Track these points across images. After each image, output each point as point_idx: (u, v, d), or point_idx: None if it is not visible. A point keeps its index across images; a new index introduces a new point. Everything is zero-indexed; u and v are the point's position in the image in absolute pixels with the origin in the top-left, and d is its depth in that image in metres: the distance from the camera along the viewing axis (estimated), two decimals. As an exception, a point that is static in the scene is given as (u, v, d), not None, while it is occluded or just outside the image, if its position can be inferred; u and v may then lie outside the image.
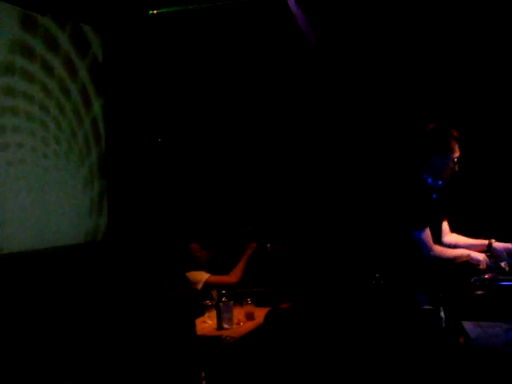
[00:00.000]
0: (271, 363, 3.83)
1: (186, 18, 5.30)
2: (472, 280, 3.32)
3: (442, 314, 3.20)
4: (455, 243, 3.62)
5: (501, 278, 3.22)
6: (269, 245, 4.42)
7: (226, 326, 3.89)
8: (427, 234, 3.29)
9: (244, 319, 4.03)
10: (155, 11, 5.23)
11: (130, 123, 5.51)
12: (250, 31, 5.26)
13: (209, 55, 5.47)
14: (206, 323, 3.99)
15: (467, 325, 3.06)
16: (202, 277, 4.24)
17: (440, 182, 3.48)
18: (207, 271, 4.33)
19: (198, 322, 3.89)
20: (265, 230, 4.48)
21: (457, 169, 3.43)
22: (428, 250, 3.28)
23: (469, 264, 3.38)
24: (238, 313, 4.03)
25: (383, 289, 4.98)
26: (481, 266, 3.30)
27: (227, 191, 5.35)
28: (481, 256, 3.32)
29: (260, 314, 4.10)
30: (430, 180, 3.46)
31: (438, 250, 3.33)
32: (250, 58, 5.37)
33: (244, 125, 5.46)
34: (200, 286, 4.16)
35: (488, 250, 3.50)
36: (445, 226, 3.65)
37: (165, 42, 5.52)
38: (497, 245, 3.48)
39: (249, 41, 5.31)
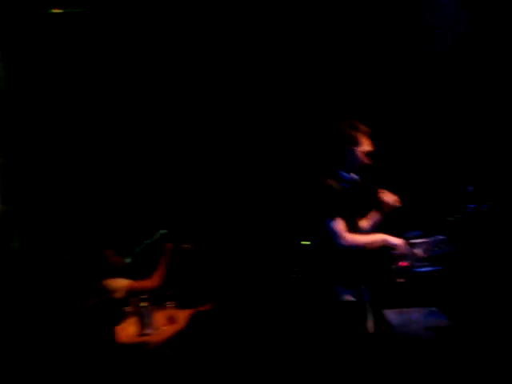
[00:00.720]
0: (196, 366, 3.78)
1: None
2: (391, 268, 3.42)
3: (367, 305, 3.27)
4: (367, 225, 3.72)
5: (418, 264, 3.33)
6: (186, 245, 4.34)
7: (147, 331, 3.77)
8: (338, 224, 3.32)
9: (166, 323, 3.93)
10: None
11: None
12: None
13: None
14: (127, 330, 3.86)
15: (388, 313, 3.13)
16: (121, 284, 4.07)
17: (350, 175, 3.56)
18: (124, 277, 4.18)
19: (119, 329, 3.75)
20: (181, 231, 4.39)
21: (368, 162, 3.52)
22: (339, 238, 3.29)
23: (387, 251, 3.49)
24: (160, 317, 3.93)
25: (303, 282, 5.06)
26: (398, 251, 3.39)
27: (139, 194, 5.18)
28: (398, 240, 3.37)
29: (182, 316, 4.03)
30: (342, 173, 3.54)
31: (350, 237, 3.32)
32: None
33: (152, 128, 5.31)
34: (120, 294, 4.00)
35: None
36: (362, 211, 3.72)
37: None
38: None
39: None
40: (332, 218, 3.33)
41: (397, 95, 4.77)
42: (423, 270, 3.31)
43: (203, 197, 5.13)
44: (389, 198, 3.56)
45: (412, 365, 2.73)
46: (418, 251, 3.45)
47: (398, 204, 3.54)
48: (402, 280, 3.34)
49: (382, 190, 3.60)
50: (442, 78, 4.60)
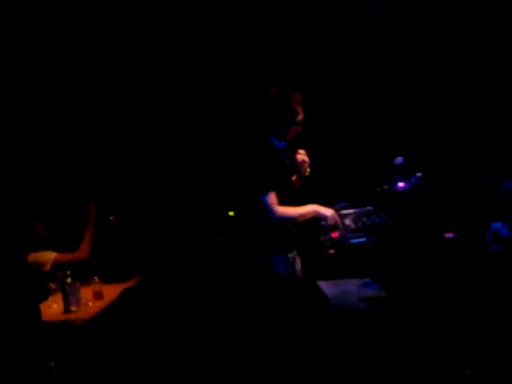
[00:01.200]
0: (125, 343, 3.67)
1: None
2: (322, 239, 3.44)
3: (299, 276, 3.27)
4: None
5: (349, 235, 3.37)
6: (111, 217, 4.17)
7: (73, 308, 3.62)
8: (270, 197, 3.30)
9: (92, 299, 3.78)
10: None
11: None
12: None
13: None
14: (52, 307, 3.69)
15: (323, 284, 3.14)
16: (49, 256, 3.85)
17: (283, 144, 3.53)
18: (53, 250, 3.96)
19: (43, 306, 3.57)
20: (106, 203, 4.22)
21: (300, 130, 3.49)
22: (271, 212, 3.29)
23: (318, 222, 3.50)
24: (86, 293, 3.78)
25: (229, 253, 5.04)
26: (329, 222, 3.42)
27: (66, 167, 4.93)
28: (329, 212, 3.40)
29: (109, 291, 3.89)
30: (276, 142, 3.49)
31: (281, 210, 3.32)
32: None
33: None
34: (48, 267, 3.79)
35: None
36: (294, 178, 3.71)
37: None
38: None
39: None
40: (265, 192, 3.31)
41: (329, 64, 4.76)
42: (356, 241, 3.35)
43: (131, 169, 4.97)
44: (302, 157, 3.58)
45: (349, 336, 2.75)
46: (348, 222, 3.50)
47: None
48: (332, 251, 3.38)
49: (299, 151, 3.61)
50: (374, 49, 4.63)
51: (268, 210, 3.31)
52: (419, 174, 3.68)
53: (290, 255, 3.37)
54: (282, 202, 3.40)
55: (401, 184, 3.69)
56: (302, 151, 3.62)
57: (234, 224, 5.15)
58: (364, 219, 3.51)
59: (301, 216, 3.40)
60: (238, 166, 3.59)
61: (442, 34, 4.46)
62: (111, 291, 3.91)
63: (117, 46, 4.90)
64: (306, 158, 3.62)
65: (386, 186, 3.83)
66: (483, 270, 2.98)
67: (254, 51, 4.89)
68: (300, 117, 3.44)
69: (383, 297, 2.89)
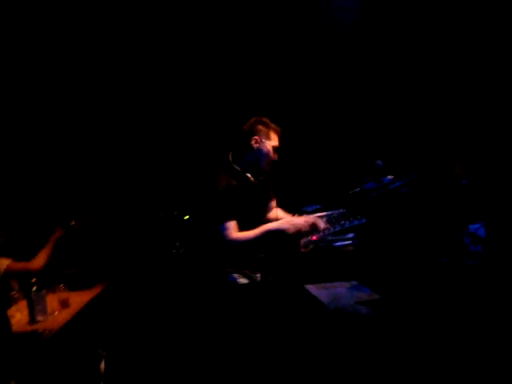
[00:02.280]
0: (97, 355, 3.51)
1: None
2: (302, 242, 3.44)
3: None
4: (271, 219, 3.77)
5: (331, 238, 3.38)
6: (73, 222, 3.97)
7: (39, 318, 3.42)
8: (226, 226, 3.37)
9: (58, 307, 3.59)
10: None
11: None
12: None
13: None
14: (15, 317, 3.46)
15: (311, 288, 3.12)
16: (1, 264, 3.63)
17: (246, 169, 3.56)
18: (6, 257, 3.72)
19: (7, 317, 3.34)
20: (67, 207, 4.01)
21: (276, 158, 3.54)
22: (226, 239, 3.38)
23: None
24: (51, 301, 3.58)
25: (185, 257, 4.94)
26: (303, 230, 3.45)
27: (26, 172, 4.65)
28: (299, 221, 3.48)
29: (75, 299, 3.71)
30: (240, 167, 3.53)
31: (235, 236, 3.39)
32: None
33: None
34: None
35: None
36: (272, 203, 3.81)
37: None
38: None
39: None
40: (222, 222, 3.37)
41: (293, 72, 4.76)
42: (340, 244, 3.36)
43: (92, 174, 4.77)
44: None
45: (353, 341, 2.73)
46: (322, 225, 3.52)
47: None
48: (306, 250, 3.40)
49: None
50: (339, 56, 4.67)
51: (224, 238, 3.39)
52: (390, 177, 3.76)
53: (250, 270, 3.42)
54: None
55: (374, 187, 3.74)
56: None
57: (190, 228, 5.06)
58: (342, 222, 3.53)
59: (256, 238, 3.41)
60: (201, 193, 3.61)
61: (414, 35, 4.56)
62: (77, 299, 3.72)
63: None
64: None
65: (357, 189, 3.89)
66: (467, 270, 3.06)
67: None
68: (276, 144, 3.50)
69: (378, 299, 2.89)
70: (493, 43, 4.26)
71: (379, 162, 3.62)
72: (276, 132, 3.53)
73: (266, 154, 3.50)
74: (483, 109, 4.29)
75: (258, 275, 3.50)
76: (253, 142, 3.48)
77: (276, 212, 3.83)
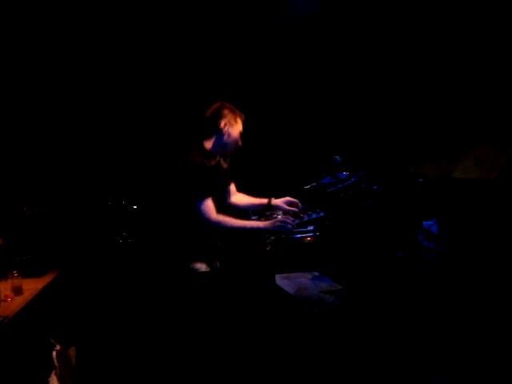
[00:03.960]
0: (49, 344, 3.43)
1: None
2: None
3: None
4: (238, 203, 3.80)
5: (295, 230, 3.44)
6: (25, 208, 3.86)
7: (-9, 305, 3.33)
8: (206, 204, 3.32)
9: (11, 294, 3.50)
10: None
11: None
12: None
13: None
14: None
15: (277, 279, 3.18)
16: None
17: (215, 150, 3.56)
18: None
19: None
20: (18, 192, 3.90)
21: (240, 145, 3.56)
22: (208, 218, 3.31)
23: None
24: (4, 288, 3.48)
25: (132, 247, 4.90)
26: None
27: None
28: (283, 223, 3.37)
29: (29, 286, 3.62)
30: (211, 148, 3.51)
31: (216, 218, 3.34)
32: None
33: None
34: None
35: (268, 207, 3.75)
36: (232, 187, 3.78)
37: None
38: (275, 201, 3.74)
39: None
40: (202, 200, 3.30)
41: (252, 63, 4.79)
42: (300, 236, 3.44)
43: (47, 160, 4.63)
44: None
45: (321, 329, 2.80)
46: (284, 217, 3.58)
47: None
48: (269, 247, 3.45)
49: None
50: (295, 45, 4.73)
51: (204, 216, 3.31)
52: (346, 173, 3.88)
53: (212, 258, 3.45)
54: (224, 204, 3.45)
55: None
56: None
57: (139, 218, 5.02)
58: (301, 215, 3.62)
59: (238, 228, 3.42)
60: (169, 171, 3.54)
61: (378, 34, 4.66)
62: (30, 286, 3.64)
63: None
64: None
65: (314, 184, 3.99)
66: (422, 264, 3.21)
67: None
68: (241, 129, 3.51)
69: (340, 289, 2.99)
70: (476, 42, 4.41)
71: (338, 157, 3.72)
72: (241, 118, 3.54)
73: (234, 139, 3.49)
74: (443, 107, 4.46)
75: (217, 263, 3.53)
76: (222, 125, 3.44)
77: (240, 196, 3.82)
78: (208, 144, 3.48)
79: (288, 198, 3.71)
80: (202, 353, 3.16)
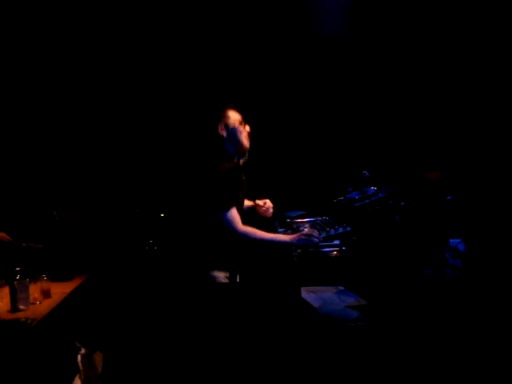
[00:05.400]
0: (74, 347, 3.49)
1: None
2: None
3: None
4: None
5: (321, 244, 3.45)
6: (55, 212, 3.94)
7: (21, 307, 3.41)
8: (232, 215, 3.32)
9: (40, 297, 3.57)
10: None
11: None
12: None
13: None
14: (-4, 306, 3.43)
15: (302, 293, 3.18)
16: None
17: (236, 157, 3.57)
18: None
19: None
20: (50, 197, 3.98)
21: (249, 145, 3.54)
22: (235, 228, 3.32)
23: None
24: (33, 290, 3.55)
25: (158, 254, 4.94)
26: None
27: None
28: (309, 238, 3.41)
29: (56, 290, 3.69)
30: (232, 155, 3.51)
31: (247, 230, 3.35)
32: None
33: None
34: None
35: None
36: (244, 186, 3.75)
37: None
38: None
39: None
40: (228, 209, 3.30)
41: (280, 79, 4.81)
42: (328, 249, 3.45)
43: (78, 169, 4.71)
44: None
45: (346, 345, 2.80)
46: (307, 230, 3.59)
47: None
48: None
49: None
50: (326, 62, 4.75)
51: (230, 226, 3.31)
52: (374, 188, 3.88)
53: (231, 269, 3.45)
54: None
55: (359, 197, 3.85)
56: (264, 203, 3.74)
57: (165, 226, 5.06)
58: (327, 229, 3.63)
59: (266, 241, 3.41)
60: (194, 181, 3.52)
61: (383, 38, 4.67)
62: (58, 290, 3.71)
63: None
64: (270, 208, 3.74)
65: (341, 198, 4.00)
66: (448, 281, 3.20)
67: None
68: (248, 131, 3.50)
69: (365, 305, 2.99)
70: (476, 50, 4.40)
71: (366, 172, 3.73)
72: (233, 109, 3.51)
73: (245, 141, 3.47)
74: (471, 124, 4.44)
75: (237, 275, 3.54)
76: (230, 128, 3.43)
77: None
78: (226, 147, 3.45)
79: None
80: (223, 362, 3.18)
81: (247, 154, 3.54)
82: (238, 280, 3.52)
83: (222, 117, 3.44)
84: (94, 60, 4.80)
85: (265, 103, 4.64)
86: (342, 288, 3.29)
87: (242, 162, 3.54)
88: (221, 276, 3.42)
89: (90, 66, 4.80)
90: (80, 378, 3.57)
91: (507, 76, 4.27)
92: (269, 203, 3.82)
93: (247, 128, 3.51)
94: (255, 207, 3.85)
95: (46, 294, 3.59)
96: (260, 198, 3.86)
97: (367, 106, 4.73)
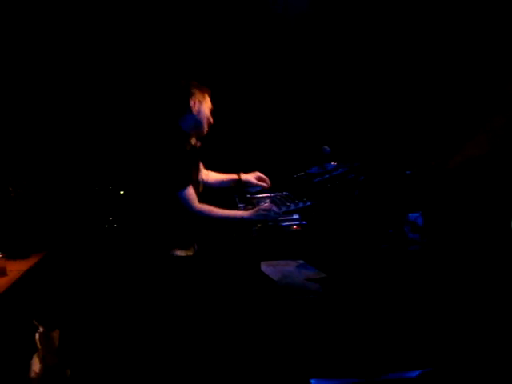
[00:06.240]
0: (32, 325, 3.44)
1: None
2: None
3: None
4: (207, 180, 3.74)
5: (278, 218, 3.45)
6: (11, 188, 3.84)
7: (-25, 285, 3.33)
8: (189, 193, 3.29)
9: (-5, 276, 3.50)
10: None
11: None
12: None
13: None
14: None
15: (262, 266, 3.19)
16: None
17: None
18: None
19: None
20: (5, 173, 3.87)
21: (211, 122, 3.51)
22: (190, 207, 3.28)
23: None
24: (-12, 268, 3.48)
25: (117, 232, 4.88)
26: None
27: None
28: (265, 212, 3.36)
29: (12, 267, 3.61)
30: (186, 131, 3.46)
31: (200, 207, 3.32)
32: None
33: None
34: None
35: (238, 182, 3.81)
36: (200, 165, 3.70)
37: None
38: (245, 176, 3.80)
39: None
40: (184, 188, 3.27)
41: (244, 56, 4.76)
42: (288, 224, 3.45)
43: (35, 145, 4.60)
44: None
45: (304, 315, 2.82)
46: (267, 206, 3.58)
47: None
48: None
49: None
50: (288, 40, 4.72)
51: (187, 204, 3.28)
52: (334, 163, 3.89)
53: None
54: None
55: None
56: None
57: (125, 204, 5.00)
58: (288, 203, 3.62)
59: (223, 218, 3.39)
60: (150, 159, 3.47)
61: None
62: (14, 268, 3.63)
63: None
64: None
65: (301, 173, 4.00)
66: (407, 255, 3.25)
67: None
68: (211, 106, 3.46)
69: (325, 277, 3.02)
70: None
71: (327, 148, 3.73)
72: (208, 93, 3.46)
73: (206, 116, 3.42)
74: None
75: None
76: (191, 103, 3.33)
77: (208, 173, 3.78)
78: (182, 125, 3.40)
79: (257, 173, 3.77)
80: (185, 338, 3.17)
81: (203, 135, 3.50)
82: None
83: (194, 93, 3.38)
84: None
85: (227, 76, 4.58)
86: (302, 262, 3.31)
87: (198, 145, 3.50)
88: (182, 255, 3.40)
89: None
90: (38, 356, 3.52)
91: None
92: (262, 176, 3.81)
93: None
94: (227, 181, 3.83)
95: (2, 272, 3.52)
96: (230, 173, 3.83)
97: (329, 78, 4.71)
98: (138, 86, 4.78)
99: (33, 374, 3.44)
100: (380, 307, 2.95)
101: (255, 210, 3.38)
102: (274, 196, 4.02)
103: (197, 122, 3.38)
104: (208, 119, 3.43)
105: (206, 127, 3.44)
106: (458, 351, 2.92)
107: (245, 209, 3.69)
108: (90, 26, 4.70)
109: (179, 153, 3.28)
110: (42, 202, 4.30)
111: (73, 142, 4.79)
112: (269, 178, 3.91)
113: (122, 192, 5.08)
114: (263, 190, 4.15)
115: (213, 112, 3.44)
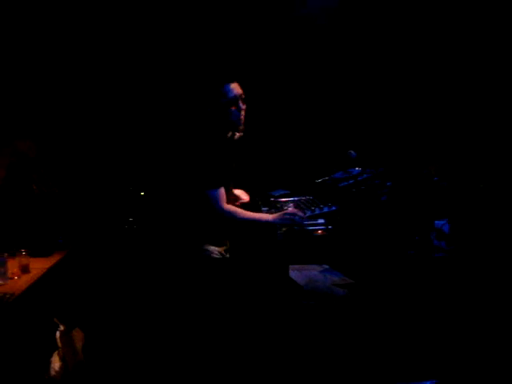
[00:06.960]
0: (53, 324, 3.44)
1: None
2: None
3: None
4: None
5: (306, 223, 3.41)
6: (35, 187, 3.84)
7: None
8: (219, 194, 3.27)
9: (18, 272, 3.50)
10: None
11: None
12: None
13: None
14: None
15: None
16: None
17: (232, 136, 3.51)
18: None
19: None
20: (28, 171, 3.88)
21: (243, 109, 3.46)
22: (220, 207, 3.26)
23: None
24: (12, 265, 3.47)
25: (137, 233, 4.88)
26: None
27: None
28: (290, 217, 3.33)
29: (35, 265, 3.61)
30: (225, 133, 3.44)
31: (228, 208, 3.30)
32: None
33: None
34: None
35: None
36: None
37: None
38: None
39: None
40: (216, 188, 3.26)
41: (267, 59, 4.74)
42: (313, 228, 3.41)
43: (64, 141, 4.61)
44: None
45: (331, 322, 2.79)
46: (290, 209, 3.56)
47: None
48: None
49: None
50: (312, 43, 4.70)
51: (216, 207, 3.26)
52: (358, 169, 3.86)
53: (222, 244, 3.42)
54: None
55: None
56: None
57: (146, 205, 5.00)
58: (312, 208, 3.59)
59: (250, 220, 3.35)
60: (183, 157, 3.45)
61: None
62: (37, 265, 3.63)
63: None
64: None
65: (326, 178, 3.97)
66: (432, 262, 3.20)
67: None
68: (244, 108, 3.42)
69: (350, 283, 2.98)
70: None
71: (353, 152, 3.70)
72: (243, 93, 3.43)
73: (241, 116, 3.39)
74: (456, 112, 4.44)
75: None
76: (226, 102, 3.30)
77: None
78: (217, 122, 3.36)
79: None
80: (210, 338, 3.15)
81: (242, 130, 3.46)
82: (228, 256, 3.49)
83: (226, 90, 3.34)
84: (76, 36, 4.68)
85: (252, 80, 4.56)
86: (326, 266, 3.28)
87: (237, 136, 3.46)
88: (215, 251, 3.38)
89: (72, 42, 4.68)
90: (58, 354, 3.52)
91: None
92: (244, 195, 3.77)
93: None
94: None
95: (25, 269, 3.52)
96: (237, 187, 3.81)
97: (353, 84, 4.69)
98: (166, 84, 4.78)
99: (53, 373, 3.44)
100: (404, 314, 2.90)
101: (281, 213, 3.35)
102: (297, 200, 4.00)
103: (231, 121, 3.35)
104: (243, 119, 3.39)
105: (241, 127, 3.41)
106: (480, 364, 2.87)
107: (269, 212, 3.67)
108: (124, 25, 4.73)
109: (219, 151, 3.27)
110: (66, 201, 4.31)
111: (97, 143, 4.81)
112: (293, 182, 3.89)
113: (142, 193, 5.09)
114: (287, 194, 4.13)
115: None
